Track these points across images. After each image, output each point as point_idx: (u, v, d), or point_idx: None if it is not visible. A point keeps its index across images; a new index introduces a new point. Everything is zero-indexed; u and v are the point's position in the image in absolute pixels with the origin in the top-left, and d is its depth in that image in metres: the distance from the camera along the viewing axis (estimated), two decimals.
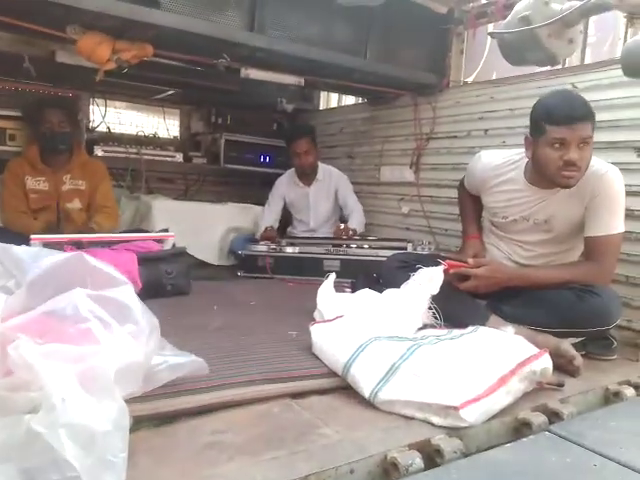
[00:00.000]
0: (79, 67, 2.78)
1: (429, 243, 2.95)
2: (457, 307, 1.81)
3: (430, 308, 1.75)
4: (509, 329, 1.68)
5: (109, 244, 2.39)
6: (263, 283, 2.84)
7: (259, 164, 4.18)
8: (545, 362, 1.38)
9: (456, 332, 1.60)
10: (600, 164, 1.81)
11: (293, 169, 3.49)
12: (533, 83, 2.58)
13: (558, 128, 1.70)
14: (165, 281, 2.35)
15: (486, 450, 1.14)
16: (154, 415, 1.16)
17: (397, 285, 1.82)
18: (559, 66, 2.26)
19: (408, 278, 1.80)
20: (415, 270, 1.81)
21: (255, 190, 4.21)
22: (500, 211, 2.03)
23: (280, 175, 3.60)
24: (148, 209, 3.22)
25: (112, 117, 3.93)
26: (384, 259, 2.30)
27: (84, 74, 2.82)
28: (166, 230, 2.74)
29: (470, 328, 1.62)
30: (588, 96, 1.95)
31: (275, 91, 3.67)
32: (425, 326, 1.72)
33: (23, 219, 2.76)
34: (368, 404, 1.30)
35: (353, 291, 2.14)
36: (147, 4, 2.16)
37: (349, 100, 4.41)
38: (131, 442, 0.93)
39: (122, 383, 0.98)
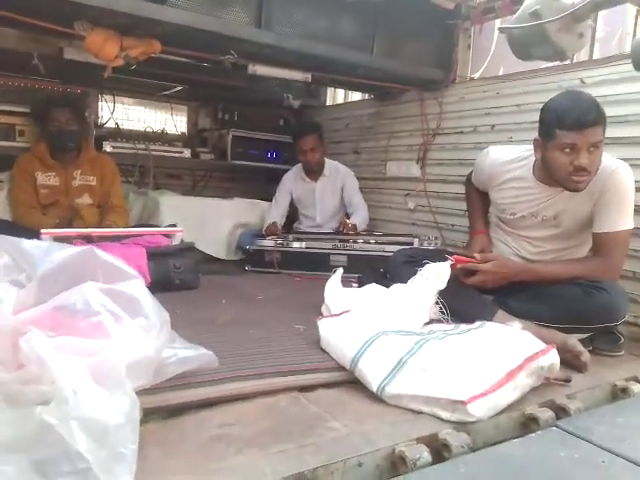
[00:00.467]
0: (87, 64, 2.80)
1: (435, 238, 2.95)
2: (464, 302, 1.81)
3: (437, 303, 1.76)
4: (516, 324, 1.68)
5: (118, 239, 2.41)
6: (270, 278, 2.85)
7: (266, 160, 4.19)
8: (552, 357, 1.38)
9: (463, 327, 1.60)
10: (609, 160, 1.80)
11: (300, 165, 3.50)
12: (541, 79, 2.57)
13: (568, 133, 1.68)
14: (174, 275, 2.36)
15: (493, 445, 1.15)
16: (163, 407, 1.17)
17: (404, 280, 1.82)
18: (567, 61, 2.24)
19: (415, 273, 1.81)
20: (422, 265, 1.81)
21: (262, 186, 4.23)
22: (508, 207, 2.02)
23: (287, 171, 3.61)
24: (156, 205, 3.23)
25: (120, 113, 3.95)
26: (391, 254, 2.30)
27: (92, 71, 2.84)
28: (174, 225, 2.76)
29: (477, 323, 1.63)
30: (596, 91, 1.94)
31: (282, 87, 3.67)
32: (432, 321, 1.73)
33: (33, 214, 2.79)
34: (376, 398, 1.31)
35: (360, 286, 2.14)
36: (154, 0, 2.17)
37: (355, 96, 4.40)
38: (140, 434, 0.94)
39: (133, 376, 0.99)
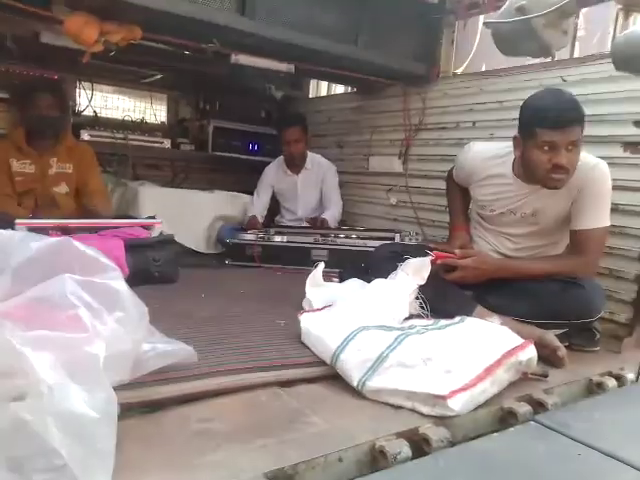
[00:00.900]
0: (65, 48, 2.72)
1: (416, 234, 2.96)
2: (444, 298, 1.82)
3: (417, 298, 1.77)
4: (495, 320, 1.70)
5: (96, 230, 2.36)
6: (251, 272, 2.83)
7: (247, 152, 4.15)
8: (530, 353, 1.40)
9: (443, 322, 1.61)
10: (588, 158, 1.82)
11: (281, 157, 3.48)
12: (523, 76, 2.58)
13: (547, 131, 1.70)
14: (152, 268, 2.32)
15: (473, 439, 1.16)
16: (142, 403, 1.15)
17: (385, 275, 1.83)
18: (549, 59, 2.26)
19: (396, 268, 1.81)
20: (403, 260, 1.81)
21: (243, 178, 4.18)
22: (488, 204, 2.04)
23: (268, 163, 3.58)
24: (134, 195, 3.18)
25: (99, 101, 3.86)
26: (372, 249, 2.30)
27: (70, 56, 2.76)
28: (153, 217, 2.71)
29: (457, 318, 1.64)
30: (577, 90, 1.96)
31: (264, 78, 3.62)
32: (412, 316, 1.73)
33: (7, 203, 2.71)
34: (356, 393, 1.31)
35: (341, 281, 2.14)
36: None
37: (338, 89, 4.38)
38: (119, 430, 0.92)
39: (110, 370, 0.97)
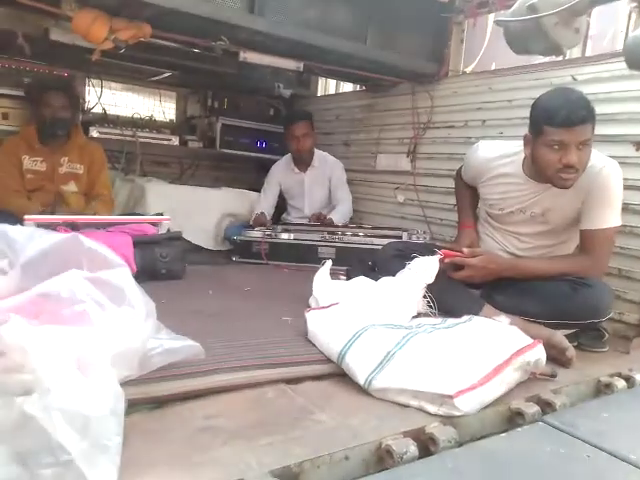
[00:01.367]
0: (74, 46, 2.73)
1: (424, 232, 2.95)
2: (452, 296, 1.81)
3: (425, 297, 1.76)
4: (503, 319, 1.69)
5: (104, 226, 2.37)
6: (258, 269, 2.83)
7: (255, 149, 4.15)
8: (539, 353, 1.39)
9: (451, 321, 1.61)
10: (598, 158, 1.80)
11: (289, 155, 3.47)
12: (532, 74, 2.57)
13: (557, 130, 1.68)
14: (160, 265, 2.33)
15: (480, 439, 1.15)
16: (149, 399, 1.15)
17: (392, 273, 1.82)
18: (560, 58, 2.24)
19: (403, 267, 1.80)
20: (410, 259, 1.81)
21: (250, 175, 4.19)
22: (496, 203, 2.02)
23: (275, 161, 3.58)
24: (142, 192, 3.19)
25: (108, 98, 3.88)
26: (379, 247, 2.30)
27: (79, 53, 2.77)
28: (161, 214, 2.72)
29: (465, 317, 1.63)
30: (587, 89, 1.94)
31: (273, 76, 3.62)
32: (420, 315, 1.73)
33: (17, 199, 2.72)
34: (363, 391, 1.31)
35: (348, 279, 2.13)
36: None
37: (347, 87, 4.37)
38: (125, 425, 0.93)
39: (118, 366, 0.97)
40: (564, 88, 1.86)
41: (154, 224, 2.54)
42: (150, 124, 3.98)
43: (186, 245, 2.76)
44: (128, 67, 3.54)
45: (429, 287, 1.75)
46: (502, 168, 1.99)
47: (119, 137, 3.60)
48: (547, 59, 2.28)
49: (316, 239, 2.91)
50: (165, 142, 3.85)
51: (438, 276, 1.76)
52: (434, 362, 1.30)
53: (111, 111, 3.88)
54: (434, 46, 3.08)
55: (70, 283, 1.02)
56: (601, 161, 1.80)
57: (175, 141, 3.88)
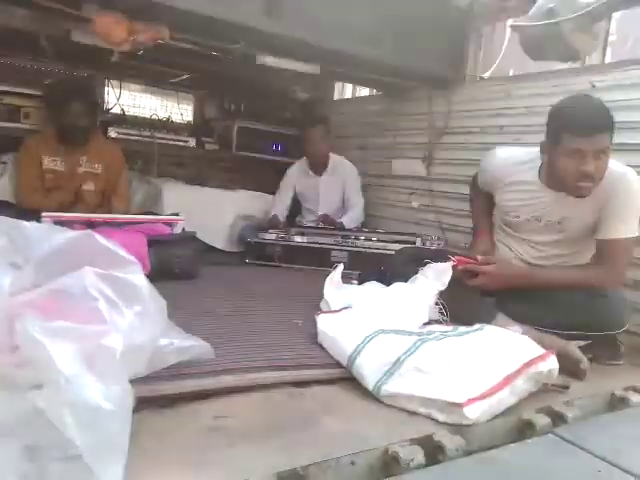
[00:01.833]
0: (95, 47, 2.76)
1: (438, 238, 2.93)
2: (464, 304, 1.80)
3: (437, 304, 1.75)
4: (516, 328, 1.67)
5: (120, 225, 2.40)
6: (271, 271, 2.84)
7: (271, 152, 4.17)
8: (551, 364, 1.37)
9: (462, 329, 1.59)
10: (616, 166, 1.78)
11: (304, 159, 3.48)
12: (551, 81, 2.54)
13: (575, 138, 1.66)
14: (173, 264, 2.35)
15: (489, 449, 1.13)
16: (158, 397, 1.16)
17: (405, 279, 1.81)
18: (578, 64, 2.21)
19: (416, 272, 1.80)
20: (423, 265, 1.80)
21: (266, 178, 4.19)
22: (512, 210, 2.00)
23: (291, 164, 3.59)
24: (159, 193, 3.22)
25: (127, 99, 3.93)
26: (392, 253, 2.29)
27: (99, 55, 2.81)
28: (176, 214, 2.74)
29: (477, 326, 1.61)
30: (607, 96, 1.92)
31: (289, 80, 3.64)
32: (431, 322, 1.71)
33: (36, 197, 2.77)
34: (372, 397, 1.30)
35: (360, 283, 2.13)
36: None
37: (363, 92, 4.37)
38: (134, 423, 0.93)
39: (127, 363, 0.98)
40: (583, 95, 1.84)
41: (169, 224, 2.55)
42: (168, 125, 4.02)
43: (200, 246, 2.78)
44: (147, 69, 3.59)
45: (441, 294, 1.74)
46: (518, 175, 1.97)
47: (137, 138, 3.65)
48: (566, 65, 2.25)
49: (329, 243, 2.90)
50: (182, 144, 3.89)
51: (451, 283, 1.74)
52: (444, 370, 1.29)
53: (130, 112, 3.92)
54: (452, 51, 3.07)
55: (83, 280, 1.03)
56: (620, 170, 1.78)
57: (192, 143, 3.91)
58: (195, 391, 1.22)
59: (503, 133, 2.78)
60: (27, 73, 3.19)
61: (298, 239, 2.95)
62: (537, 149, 1.87)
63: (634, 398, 1.46)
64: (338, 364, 1.44)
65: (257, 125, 4.09)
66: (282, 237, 2.96)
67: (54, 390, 0.86)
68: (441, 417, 1.20)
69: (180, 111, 4.20)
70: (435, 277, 1.75)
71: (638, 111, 2.15)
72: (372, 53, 2.81)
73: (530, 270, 1.93)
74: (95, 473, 0.81)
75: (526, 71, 2.70)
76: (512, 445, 1.13)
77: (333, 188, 3.44)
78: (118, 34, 2.22)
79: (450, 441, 1.09)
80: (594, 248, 1.89)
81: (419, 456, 1.04)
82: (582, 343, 1.73)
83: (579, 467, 1.04)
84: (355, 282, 2.22)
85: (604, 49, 2.64)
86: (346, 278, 2.04)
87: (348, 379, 1.39)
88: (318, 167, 3.43)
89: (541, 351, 1.40)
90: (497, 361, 1.33)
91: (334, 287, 1.91)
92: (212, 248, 3.22)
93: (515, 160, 2.00)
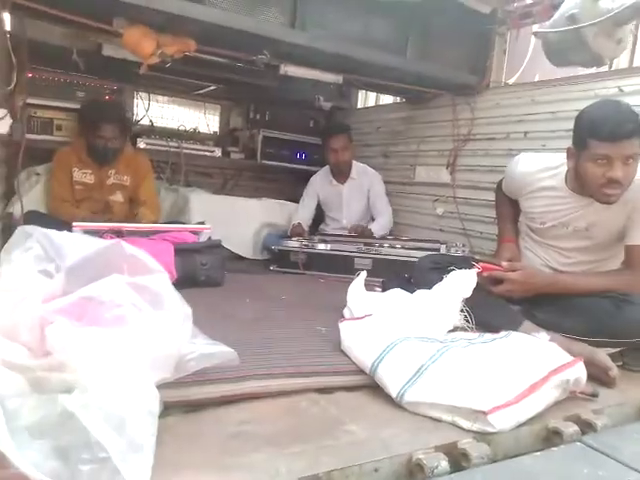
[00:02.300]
0: (124, 61, 2.86)
1: (463, 245, 2.91)
2: (490, 311, 1.77)
3: (462, 311, 1.73)
4: (543, 335, 1.65)
5: (147, 234, 2.45)
6: (294, 278, 2.86)
7: (295, 161, 4.21)
8: (579, 371, 1.34)
9: (488, 336, 1.57)
10: None
11: (327, 167, 3.50)
12: (577, 86, 2.51)
13: (602, 144, 1.64)
14: (199, 272, 2.39)
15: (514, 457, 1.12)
16: (183, 402, 1.18)
17: (429, 286, 1.80)
18: (605, 68, 2.18)
19: (440, 280, 1.78)
20: (448, 272, 1.78)
21: (290, 186, 4.24)
22: (538, 216, 1.98)
23: (315, 172, 3.62)
24: (186, 202, 3.28)
25: (155, 111, 4.02)
26: (416, 260, 2.28)
27: (129, 67, 2.90)
28: (203, 223, 2.79)
29: (502, 333, 1.59)
30: (635, 101, 1.89)
31: (313, 89, 3.68)
32: (456, 329, 1.70)
33: (67, 207, 2.86)
34: (395, 404, 1.30)
35: (383, 290, 2.12)
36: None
37: (386, 99, 4.38)
38: (160, 427, 0.95)
39: (154, 369, 1.00)
40: (610, 100, 1.81)
41: (195, 232, 2.60)
42: (194, 136, 4.09)
43: (226, 253, 2.81)
44: (174, 81, 3.67)
45: (466, 301, 1.72)
46: (544, 181, 1.95)
47: (165, 148, 3.72)
48: (592, 70, 2.22)
49: (353, 250, 2.91)
50: (208, 153, 3.95)
51: (476, 290, 1.72)
52: (468, 377, 1.27)
53: (158, 123, 4.01)
54: (476, 57, 3.06)
55: (111, 287, 1.06)
56: None
57: (218, 152, 3.97)
58: (220, 397, 1.24)
59: (528, 139, 2.76)
60: (59, 87, 3.29)
61: (321, 247, 2.96)
62: (563, 155, 1.85)
63: None
64: (361, 371, 1.44)
65: (281, 134, 4.14)
66: (305, 245, 2.98)
67: (83, 394, 0.88)
68: (465, 425, 1.19)
69: (206, 121, 4.27)
70: (459, 284, 1.73)
71: None
72: (395, 61, 2.83)
73: (557, 276, 1.90)
74: (122, 475, 0.83)
75: (553, 76, 2.67)
76: (538, 453, 1.11)
77: (357, 196, 3.45)
78: (146, 47, 2.29)
79: (475, 449, 1.08)
80: (623, 254, 1.85)
81: (443, 463, 1.03)
82: (612, 350, 1.70)
83: (607, 476, 1.02)
84: (379, 289, 2.22)
85: (632, 53, 2.60)
86: (370, 285, 2.03)
87: (371, 386, 1.39)
88: (341, 175, 3.44)
89: (569, 358, 1.37)
90: (523, 368, 1.32)
91: (357, 294, 1.91)
92: (237, 256, 3.26)
93: (541, 166, 1.97)
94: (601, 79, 2.39)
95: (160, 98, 4.05)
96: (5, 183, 2.82)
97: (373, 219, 3.45)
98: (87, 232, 2.12)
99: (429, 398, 1.25)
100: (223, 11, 2.31)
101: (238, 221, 3.32)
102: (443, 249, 2.82)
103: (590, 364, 1.47)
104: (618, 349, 1.73)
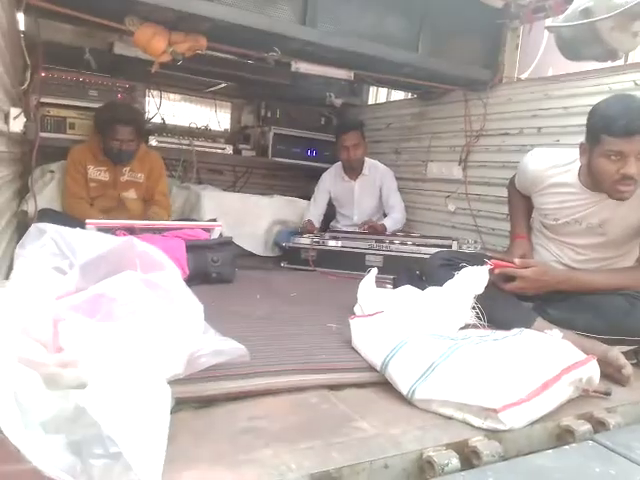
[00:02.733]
0: (136, 59, 2.88)
1: (475, 242, 2.89)
2: (502, 308, 1.77)
3: (473, 308, 1.72)
4: (556, 333, 1.63)
5: (159, 231, 2.47)
6: (305, 275, 2.86)
7: (306, 158, 4.21)
8: (592, 369, 1.33)
9: (500, 334, 1.56)
10: None
11: (339, 163, 3.50)
12: (591, 80, 2.48)
13: (615, 139, 1.62)
14: (211, 269, 2.40)
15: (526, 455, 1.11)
16: (194, 398, 1.19)
17: (440, 283, 1.79)
18: (620, 62, 2.15)
19: (452, 277, 1.77)
20: (459, 269, 1.77)
21: (301, 183, 4.25)
22: (551, 213, 1.96)
23: (326, 169, 3.61)
24: (197, 199, 3.30)
25: (167, 109, 4.05)
26: (427, 256, 2.27)
27: (140, 66, 2.92)
28: (214, 220, 2.81)
29: (515, 330, 1.58)
30: None
31: (324, 85, 3.68)
32: (468, 326, 1.69)
33: (81, 205, 2.89)
34: (406, 401, 1.29)
35: (394, 287, 2.12)
36: None
37: (398, 95, 4.36)
38: (171, 423, 0.96)
39: (166, 365, 1.01)
40: (624, 95, 1.79)
41: (207, 229, 2.61)
42: (206, 133, 4.12)
43: (237, 250, 2.83)
44: (186, 78, 3.69)
45: (478, 298, 1.71)
46: (557, 177, 1.93)
47: (176, 146, 3.74)
48: (607, 64, 2.18)
49: (364, 247, 2.91)
50: (220, 151, 3.96)
51: (488, 287, 1.71)
52: (480, 374, 1.27)
53: (169, 121, 4.04)
54: (488, 53, 3.04)
55: (124, 284, 1.07)
56: None
57: (229, 150, 3.99)
58: (230, 393, 1.24)
59: (541, 134, 2.73)
60: (72, 86, 3.32)
61: (332, 244, 2.96)
62: (576, 150, 1.83)
63: None
64: (372, 368, 1.44)
65: (292, 131, 4.14)
66: (316, 242, 2.98)
67: (96, 389, 0.89)
68: (476, 422, 1.18)
69: (218, 119, 4.29)
70: (471, 281, 1.72)
71: None
72: (407, 57, 2.82)
73: (570, 273, 1.88)
74: (134, 470, 0.84)
75: (567, 71, 2.64)
76: (550, 451, 1.10)
77: (368, 192, 3.44)
78: (157, 45, 2.30)
79: (486, 446, 1.08)
80: (638, 251, 1.83)
81: (454, 461, 1.03)
82: (626, 348, 1.68)
83: (620, 475, 1.01)
84: (390, 286, 2.22)
85: None
86: (380, 282, 2.03)
87: (382, 383, 1.39)
88: (353, 172, 3.44)
89: (582, 356, 1.36)
90: (535, 366, 1.31)
91: (368, 291, 1.91)
92: (248, 253, 3.27)
93: (554, 162, 1.95)
94: (616, 73, 2.35)
95: (172, 96, 4.08)
96: (19, 181, 2.85)
97: (385, 215, 3.44)
98: (100, 229, 2.15)
99: (440, 395, 1.25)
100: (234, 8, 2.31)
101: (249, 218, 3.33)
102: (455, 246, 2.81)
103: (603, 362, 1.45)
104: (632, 347, 1.71)
